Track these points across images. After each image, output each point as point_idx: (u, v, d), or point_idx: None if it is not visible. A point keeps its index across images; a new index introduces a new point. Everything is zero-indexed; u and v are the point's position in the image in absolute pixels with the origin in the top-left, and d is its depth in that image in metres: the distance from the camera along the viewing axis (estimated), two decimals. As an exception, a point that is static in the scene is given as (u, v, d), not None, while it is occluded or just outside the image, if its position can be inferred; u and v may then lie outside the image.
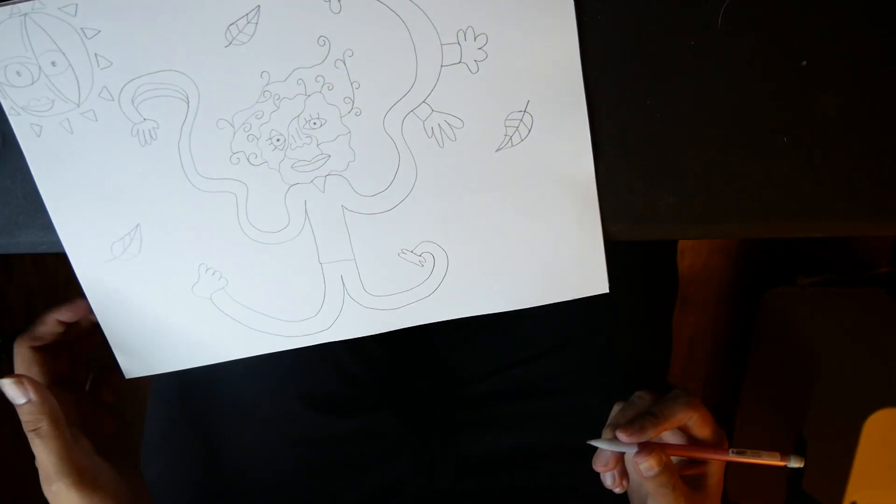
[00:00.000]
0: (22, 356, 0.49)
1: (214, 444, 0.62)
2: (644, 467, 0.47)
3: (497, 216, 0.47)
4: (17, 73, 0.42)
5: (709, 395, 1.45)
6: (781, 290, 1.25)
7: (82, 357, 0.54)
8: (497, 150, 0.45)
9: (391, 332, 0.50)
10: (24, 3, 0.41)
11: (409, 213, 0.47)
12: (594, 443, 0.49)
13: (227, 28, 0.42)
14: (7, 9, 0.41)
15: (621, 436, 0.47)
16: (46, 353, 0.50)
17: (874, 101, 0.45)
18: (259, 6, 0.42)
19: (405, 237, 0.48)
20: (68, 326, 0.51)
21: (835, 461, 1.02)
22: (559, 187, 0.46)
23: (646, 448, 0.47)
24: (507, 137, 0.45)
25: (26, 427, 0.46)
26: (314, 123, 0.44)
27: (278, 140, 0.45)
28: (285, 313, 0.50)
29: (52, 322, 0.50)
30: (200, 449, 0.63)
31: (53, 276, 1.24)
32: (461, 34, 0.43)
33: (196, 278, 0.48)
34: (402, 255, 0.48)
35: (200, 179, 0.45)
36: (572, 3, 0.42)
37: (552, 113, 0.45)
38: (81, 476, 0.46)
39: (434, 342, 0.67)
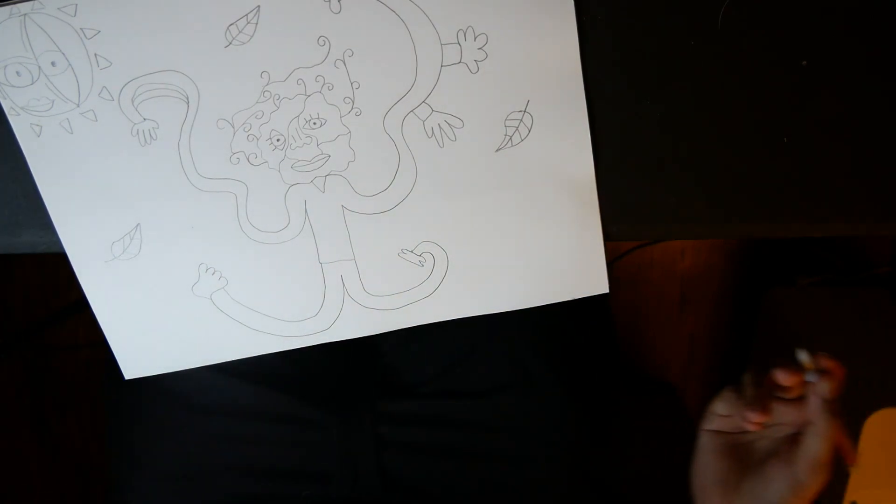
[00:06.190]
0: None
1: (129, 415, 0.63)
2: (824, 389, 0.50)
3: (497, 216, 0.47)
4: (17, 73, 0.42)
5: (709, 395, 1.45)
6: (781, 290, 1.24)
7: None
8: (497, 150, 0.45)
9: None
10: (24, 3, 0.41)
11: (409, 213, 0.47)
12: (800, 354, 0.51)
13: (227, 28, 0.42)
14: (7, 9, 0.41)
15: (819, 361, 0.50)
16: None
17: (874, 101, 0.45)
18: (259, 6, 0.42)
19: (405, 237, 0.48)
20: None
21: (835, 461, 1.02)
22: (559, 187, 0.46)
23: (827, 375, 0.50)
24: (507, 137, 0.45)
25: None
26: (314, 123, 0.44)
27: (278, 140, 0.45)
28: (285, 313, 0.50)
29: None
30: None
31: (53, 276, 1.24)
32: (461, 34, 0.43)
33: (196, 278, 0.48)
34: (402, 255, 0.48)
35: (200, 179, 0.45)
36: (572, 3, 0.42)
37: (552, 113, 0.45)
38: None
39: (379, 346, 0.66)
